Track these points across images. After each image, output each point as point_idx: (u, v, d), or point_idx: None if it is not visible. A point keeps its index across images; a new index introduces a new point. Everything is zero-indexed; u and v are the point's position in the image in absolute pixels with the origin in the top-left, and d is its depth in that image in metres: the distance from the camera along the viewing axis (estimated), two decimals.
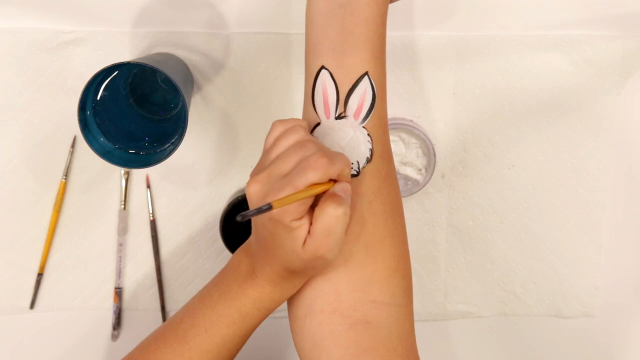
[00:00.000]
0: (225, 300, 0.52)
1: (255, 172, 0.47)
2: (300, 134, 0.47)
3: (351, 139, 0.49)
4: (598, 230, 0.73)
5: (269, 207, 0.41)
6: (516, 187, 0.72)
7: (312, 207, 0.46)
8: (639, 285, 0.75)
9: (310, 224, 0.45)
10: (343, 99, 0.49)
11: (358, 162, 0.49)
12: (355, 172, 0.49)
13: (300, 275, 0.49)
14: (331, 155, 0.45)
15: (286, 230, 0.45)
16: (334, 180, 0.45)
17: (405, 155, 0.69)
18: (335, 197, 0.45)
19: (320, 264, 0.47)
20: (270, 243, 0.48)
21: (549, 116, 0.70)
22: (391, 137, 0.68)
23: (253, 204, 0.46)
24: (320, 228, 0.45)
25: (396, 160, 0.69)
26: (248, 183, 0.46)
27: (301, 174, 0.44)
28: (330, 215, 0.44)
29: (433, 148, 0.68)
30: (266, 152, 0.48)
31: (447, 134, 0.71)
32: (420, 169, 0.69)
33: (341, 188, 0.45)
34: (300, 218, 0.45)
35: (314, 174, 0.43)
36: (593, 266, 0.74)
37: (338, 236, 0.45)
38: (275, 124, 0.49)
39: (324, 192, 0.45)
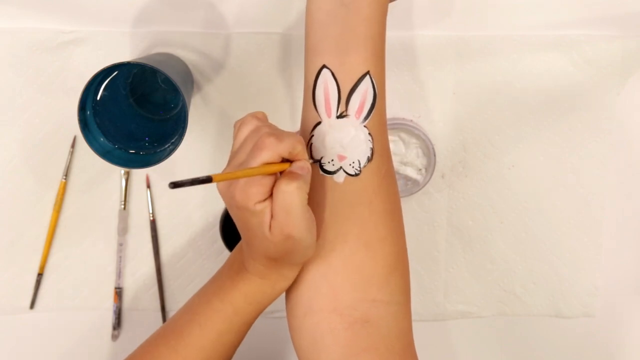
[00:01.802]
0: (218, 295, 0.52)
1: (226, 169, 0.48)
2: (252, 123, 0.48)
3: (352, 137, 0.49)
4: (598, 230, 0.73)
5: (209, 179, 0.41)
6: (516, 187, 0.72)
7: None
8: (639, 285, 0.75)
9: None
10: (344, 98, 0.49)
11: (359, 160, 0.49)
12: (356, 171, 0.49)
13: (283, 264, 0.49)
14: (280, 134, 0.45)
15: (253, 215, 0.46)
16: (291, 161, 0.46)
17: (405, 155, 0.69)
18: (289, 174, 0.45)
19: (294, 246, 0.47)
20: (246, 234, 0.48)
21: (549, 116, 0.70)
22: (391, 137, 0.69)
23: (225, 201, 0.47)
24: (277, 207, 0.45)
25: (396, 160, 0.69)
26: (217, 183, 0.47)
27: (253, 156, 0.44)
28: (284, 191, 0.44)
29: (433, 148, 0.68)
30: (232, 154, 0.49)
31: (447, 134, 0.71)
32: (420, 169, 0.69)
33: (298, 166, 0.45)
34: (264, 200, 0.45)
35: (264, 153, 0.44)
36: (593, 266, 0.74)
37: (298, 211, 0.45)
38: (234, 124, 0.50)
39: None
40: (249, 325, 0.53)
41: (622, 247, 0.74)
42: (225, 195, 0.47)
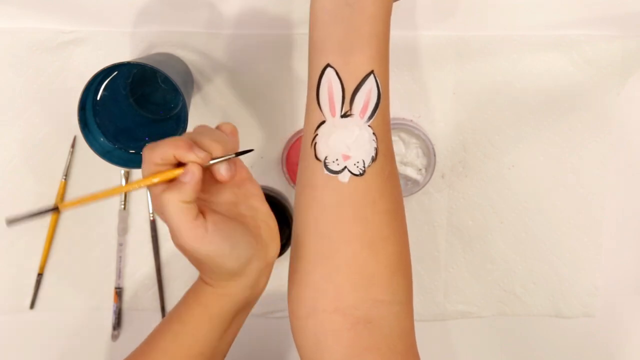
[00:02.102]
0: (178, 315, 0.53)
1: None
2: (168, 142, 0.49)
3: (356, 137, 0.49)
4: (598, 230, 0.73)
5: (54, 209, 0.42)
6: (516, 187, 0.72)
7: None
8: (639, 285, 0.75)
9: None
10: (349, 97, 0.49)
11: (363, 160, 0.49)
12: (360, 171, 0.49)
13: (212, 276, 0.50)
14: (156, 143, 0.46)
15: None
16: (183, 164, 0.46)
17: (405, 155, 0.69)
18: (170, 183, 0.46)
19: (195, 259, 0.48)
20: None
21: (549, 116, 0.70)
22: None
23: None
24: (156, 207, 0.47)
25: (396, 160, 0.69)
26: None
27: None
28: (160, 203, 0.46)
29: (433, 148, 0.68)
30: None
31: (447, 134, 0.71)
32: (420, 169, 0.69)
33: (185, 173, 0.46)
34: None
35: (143, 167, 0.47)
36: (593, 266, 0.74)
37: (176, 222, 0.46)
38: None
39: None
40: (213, 343, 0.53)
41: (622, 247, 0.74)
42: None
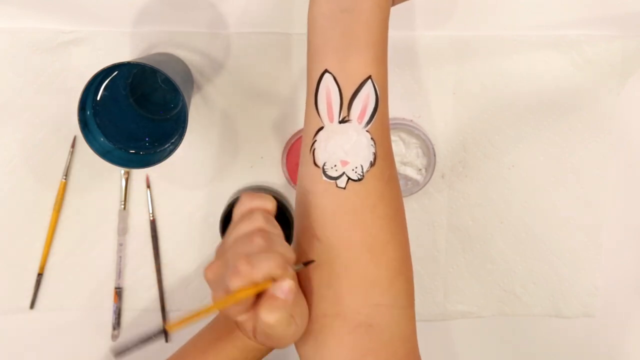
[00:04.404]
0: (214, 347, 0.53)
1: (216, 255, 0.48)
2: (256, 223, 0.47)
3: (355, 142, 0.49)
4: (598, 230, 0.73)
5: (162, 333, 0.40)
6: (516, 187, 0.72)
7: None
8: (639, 285, 0.75)
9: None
10: (346, 103, 0.49)
11: (362, 165, 0.49)
12: (359, 176, 0.49)
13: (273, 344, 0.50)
14: (255, 260, 0.44)
15: (235, 322, 0.47)
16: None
17: (405, 155, 0.69)
18: (270, 300, 0.44)
19: (277, 346, 0.48)
20: None
21: (549, 116, 0.70)
22: (391, 137, 0.68)
23: (211, 290, 0.47)
24: (258, 330, 0.46)
25: (396, 160, 0.69)
26: (205, 269, 0.47)
27: (229, 279, 0.44)
28: (264, 322, 0.44)
29: (433, 148, 0.68)
30: (230, 229, 0.49)
31: (447, 134, 0.71)
32: (420, 169, 0.69)
33: (280, 288, 0.44)
34: (246, 311, 0.45)
35: (235, 281, 0.44)
36: (593, 266, 0.74)
37: (278, 337, 0.46)
38: (242, 197, 0.49)
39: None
40: None
41: (622, 247, 0.74)
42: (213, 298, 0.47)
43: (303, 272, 0.50)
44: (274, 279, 0.44)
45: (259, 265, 0.44)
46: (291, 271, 0.46)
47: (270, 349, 0.53)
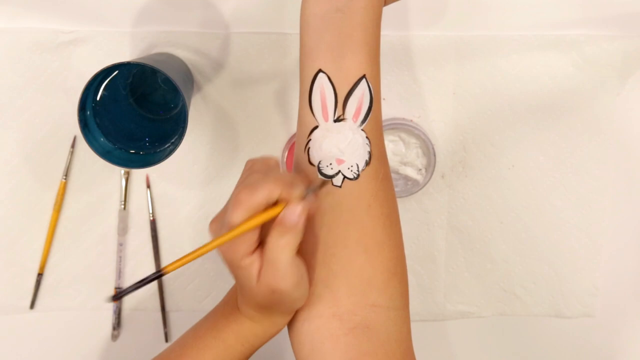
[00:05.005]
0: (211, 332, 0.52)
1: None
2: (254, 166, 0.47)
3: (350, 141, 0.49)
4: (598, 230, 0.73)
5: (160, 274, 0.39)
6: (516, 187, 0.72)
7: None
8: (639, 285, 0.75)
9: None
10: (341, 102, 0.49)
11: (357, 164, 0.49)
12: (355, 175, 0.49)
13: (272, 312, 0.50)
14: (255, 183, 0.43)
15: (239, 269, 0.46)
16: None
17: (405, 155, 0.69)
18: (279, 225, 0.44)
19: (281, 299, 0.47)
20: (236, 281, 0.49)
21: (549, 116, 0.70)
22: (391, 137, 0.69)
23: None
24: (266, 259, 0.45)
25: (396, 160, 0.69)
26: (209, 223, 0.47)
27: (230, 215, 0.43)
28: (272, 247, 0.44)
29: (433, 148, 0.68)
30: None
31: (447, 134, 0.71)
32: (420, 169, 0.69)
33: (289, 214, 0.44)
34: (252, 253, 0.45)
35: (238, 213, 0.43)
36: (593, 266, 0.74)
37: (285, 267, 0.44)
38: (247, 162, 0.49)
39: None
40: None
41: (622, 247, 0.74)
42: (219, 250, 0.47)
43: None
44: (276, 203, 0.44)
45: (259, 188, 0.43)
46: (297, 194, 0.44)
47: (266, 337, 0.52)
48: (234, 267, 0.46)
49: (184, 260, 0.42)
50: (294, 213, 0.44)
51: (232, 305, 0.53)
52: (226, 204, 0.47)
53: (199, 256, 0.43)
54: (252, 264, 0.45)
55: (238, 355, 0.52)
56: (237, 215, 0.43)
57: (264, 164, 0.48)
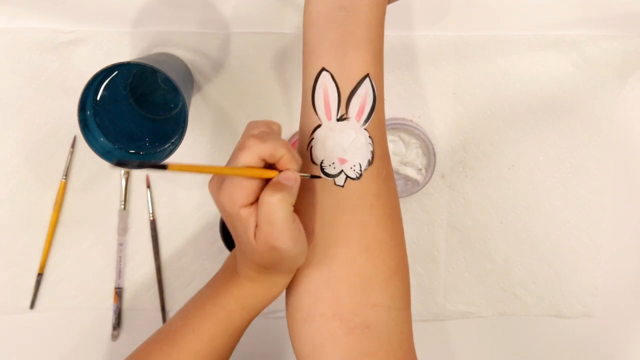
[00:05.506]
0: (212, 299, 0.52)
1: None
2: (253, 125, 0.48)
3: (353, 140, 0.49)
4: (598, 230, 0.73)
5: (163, 167, 0.40)
6: (516, 187, 0.72)
7: None
8: (639, 285, 0.75)
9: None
10: (344, 101, 0.48)
11: (360, 164, 0.49)
12: (357, 175, 0.49)
13: (272, 271, 0.50)
14: (263, 136, 0.45)
15: (238, 221, 0.46)
16: (280, 171, 0.45)
17: (405, 155, 0.69)
18: (274, 184, 0.45)
19: (279, 256, 0.47)
20: (235, 238, 0.49)
21: (549, 116, 0.70)
22: (391, 137, 0.69)
23: (215, 203, 0.47)
24: (261, 217, 0.45)
25: (396, 160, 0.69)
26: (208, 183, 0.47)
27: (235, 156, 0.44)
28: (267, 202, 0.44)
29: (433, 148, 0.68)
30: None
31: (447, 134, 0.71)
32: (420, 169, 0.69)
33: (284, 177, 0.45)
34: (249, 206, 0.45)
35: (243, 154, 0.44)
36: (593, 266, 0.74)
37: (281, 223, 0.45)
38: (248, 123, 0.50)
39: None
40: (242, 329, 0.53)
41: (622, 247, 0.74)
42: (214, 197, 0.47)
43: (301, 269, 0.50)
44: (278, 163, 0.45)
45: (267, 140, 0.44)
46: (294, 167, 0.45)
47: (267, 299, 0.52)
48: (233, 217, 0.46)
49: (189, 168, 0.43)
50: (291, 177, 0.45)
51: (231, 270, 0.52)
52: (230, 156, 0.48)
53: (204, 172, 0.45)
54: (249, 216, 0.45)
55: (240, 321, 0.52)
56: (245, 156, 0.44)
57: (267, 126, 0.48)
